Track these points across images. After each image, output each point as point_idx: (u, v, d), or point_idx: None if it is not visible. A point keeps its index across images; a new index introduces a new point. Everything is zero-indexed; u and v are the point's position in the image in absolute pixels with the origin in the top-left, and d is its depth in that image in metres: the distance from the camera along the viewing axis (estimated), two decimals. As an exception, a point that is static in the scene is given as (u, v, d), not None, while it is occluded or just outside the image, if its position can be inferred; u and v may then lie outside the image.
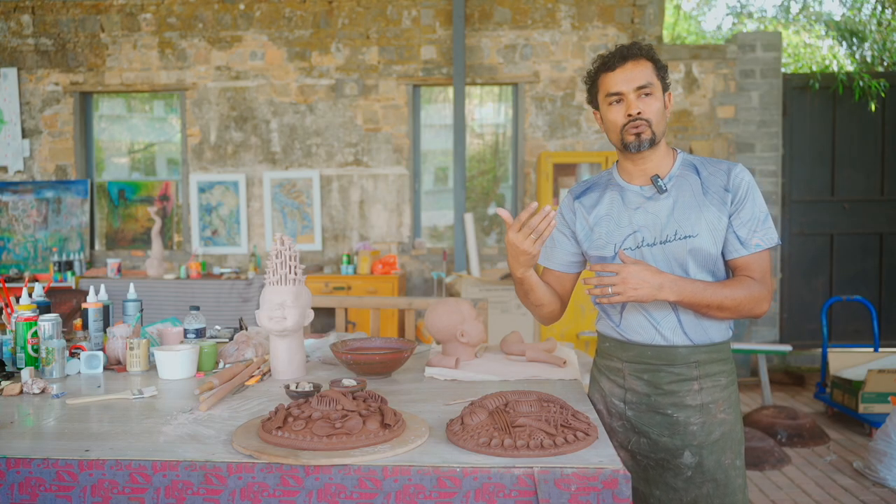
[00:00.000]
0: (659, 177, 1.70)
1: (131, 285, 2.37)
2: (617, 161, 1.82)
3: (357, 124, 5.93)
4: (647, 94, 1.66)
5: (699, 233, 1.65)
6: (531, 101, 5.85)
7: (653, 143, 1.68)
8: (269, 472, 1.28)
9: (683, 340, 1.70)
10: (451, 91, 5.96)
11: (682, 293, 1.59)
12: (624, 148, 1.70)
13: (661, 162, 1.72)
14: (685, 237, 1.66)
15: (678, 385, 1.71)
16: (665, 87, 1.71)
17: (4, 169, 6.14)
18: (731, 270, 1.72)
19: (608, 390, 1.82)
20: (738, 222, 1.66)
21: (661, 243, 1.68)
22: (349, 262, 5.62)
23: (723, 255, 1.70)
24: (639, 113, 1.66)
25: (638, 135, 1.67)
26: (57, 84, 6.07)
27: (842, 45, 7.83)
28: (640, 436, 1.75)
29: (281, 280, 1.93)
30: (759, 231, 1.66)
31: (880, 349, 4.84)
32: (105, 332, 2.23)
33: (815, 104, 5.90)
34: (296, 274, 1.95)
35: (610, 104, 1.70)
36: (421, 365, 2.14)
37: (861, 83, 5.77)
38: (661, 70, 1.70)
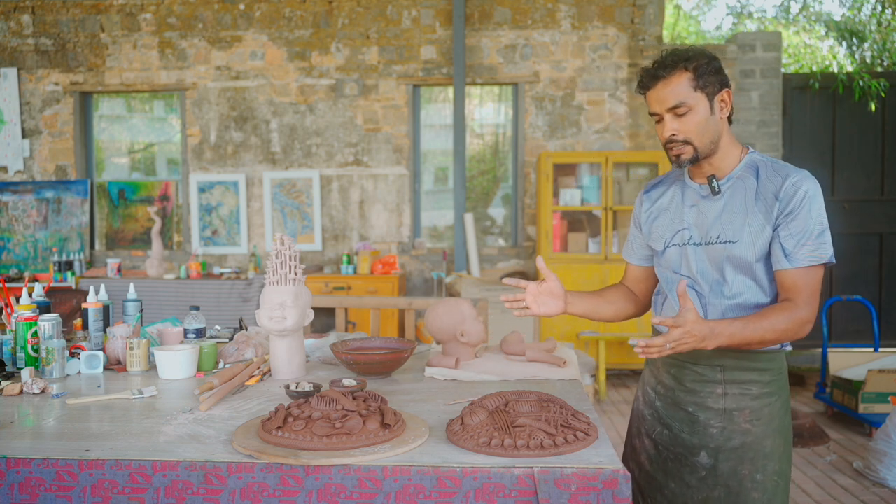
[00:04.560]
0: (715, 177, 1.67)
1: (131, 285, 2.37)
2: None
3: (357, 124, 5.93)
4: (681, 114, 1.61)
5: (740, 239, 1.62)
6: (531, 101, 5.85)
7: (696, 159, 1.64)
8: (269, 472, 1.28)
9: None
10: (451, 91, 5.96)
11: (719, 339, 1.53)
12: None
13: (724, 161, 1.68)
14: (726, 242, 1.64)
15: (700, 385, 1.71)
16: (717, 89, 1.62)
17: (4, 169, 6.15)
18: (776, 283, 1.64)
19: (646, 378, 1.87)
20: (786, 233, 1.59)
21: (704, 244, 1.67)
22: (349, 262, 5.62)
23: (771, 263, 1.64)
24: (673, 135, 1.63)
25: (677, 156, 1.65)
26: (57, 84, 6.07)
27: (842, 46, 7.83)
28: (664, 427, 1.77)
29: (281, 280, 1.93)
30: (808, 245, 1.58)
31: (880, 349, 4.84)
32: (105, 332, 2.23)
33: (815, 104, 5.90)
34: (296, 274, 1.95)
35: (655, 120, 1.68)
36: (421, 365, 2.14)
37: (861, 83, 5.76)
38: (705, 74, 1.60)
